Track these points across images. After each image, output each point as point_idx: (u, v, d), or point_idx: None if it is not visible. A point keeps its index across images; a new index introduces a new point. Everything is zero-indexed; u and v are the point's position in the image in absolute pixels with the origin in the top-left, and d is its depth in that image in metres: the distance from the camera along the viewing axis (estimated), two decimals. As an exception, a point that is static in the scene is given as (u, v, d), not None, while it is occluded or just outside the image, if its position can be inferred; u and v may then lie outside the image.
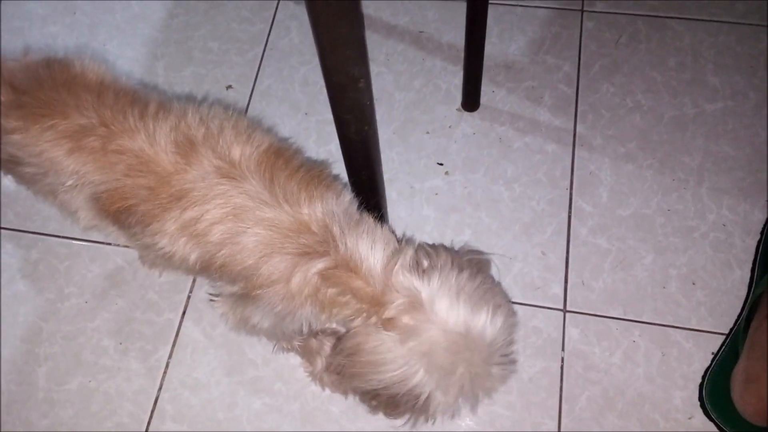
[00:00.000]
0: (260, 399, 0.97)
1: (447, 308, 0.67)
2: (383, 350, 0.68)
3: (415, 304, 0.68)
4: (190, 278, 1.05)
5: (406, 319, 0.67)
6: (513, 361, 0.75)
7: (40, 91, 0.77)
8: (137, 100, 0.78)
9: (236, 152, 0.73)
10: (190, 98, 1.19)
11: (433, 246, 0.77)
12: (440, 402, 0.70)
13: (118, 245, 1.08)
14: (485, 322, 0.68)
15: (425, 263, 0.72)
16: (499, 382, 0.72)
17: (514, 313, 0.75)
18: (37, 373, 1.00)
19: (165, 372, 0.99)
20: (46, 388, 0.99)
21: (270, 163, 0.73)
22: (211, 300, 0.87)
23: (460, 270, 0.71)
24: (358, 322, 0.69)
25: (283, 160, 0.75)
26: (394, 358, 0.68)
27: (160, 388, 0.99)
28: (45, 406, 0.98)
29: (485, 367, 0.69)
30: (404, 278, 0.69)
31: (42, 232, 1.10)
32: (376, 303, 0.68)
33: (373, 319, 0.69)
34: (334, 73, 0.63)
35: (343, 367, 0.74)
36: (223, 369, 0.99)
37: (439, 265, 0.71)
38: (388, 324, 0.67)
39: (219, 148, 0.73)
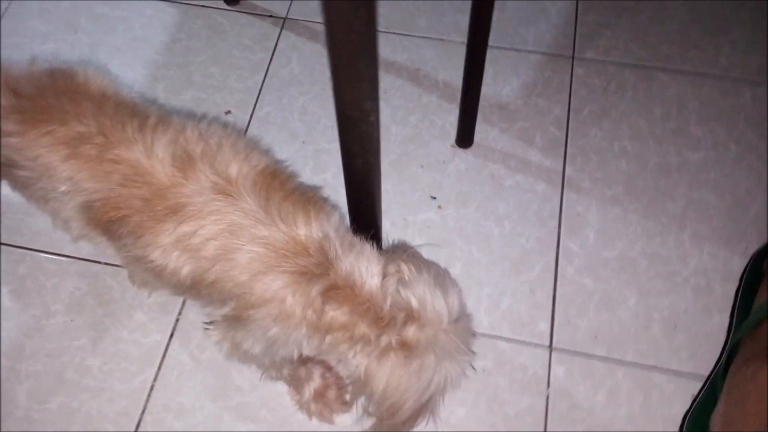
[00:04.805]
0: (245, 426, 0.96)
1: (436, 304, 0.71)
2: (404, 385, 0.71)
3: (412, 315, 0.70)
4: (180, 300, 1.05)
5: (411, 333, 0.70)
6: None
7: (42, 98, 0.77)
8: (137, 113, 0.79)
9: (233, 170, 0.74)
10: (189, 115, 1.20)
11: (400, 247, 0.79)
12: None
13: (108, 264, 1.07)
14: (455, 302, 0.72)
15: (406, 276, 0.74)
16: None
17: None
18: (17, 391, 0.98)
19: (149, 395, 0.98)
20: (27, 407, 0.97)
21: (266, 183, 0.74)
22: (206, 329, 0.87)
23: (428, 270, 0.74)
24: (368, 350, 0.70)
25: (279, 181, 0.76)
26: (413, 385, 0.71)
27: (143, 411, 0.97)
28: (25, 424, 0.96)
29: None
30: (399, 294, 0.71)
31: (31, 247, 1.09)
32: (380, 322, 0.70)
33: (384, 339, 0.70)
34: (348, 107, 0.65)
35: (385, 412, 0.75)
36: (208, 394, 0.98)
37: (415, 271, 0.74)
38: (401, 346, 0.70)
39: (217, 165, 0.74)
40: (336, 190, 1.13)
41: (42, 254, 1.09)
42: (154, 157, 0.73)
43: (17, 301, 1.05)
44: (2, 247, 1.09)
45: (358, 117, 0.66)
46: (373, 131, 0.70)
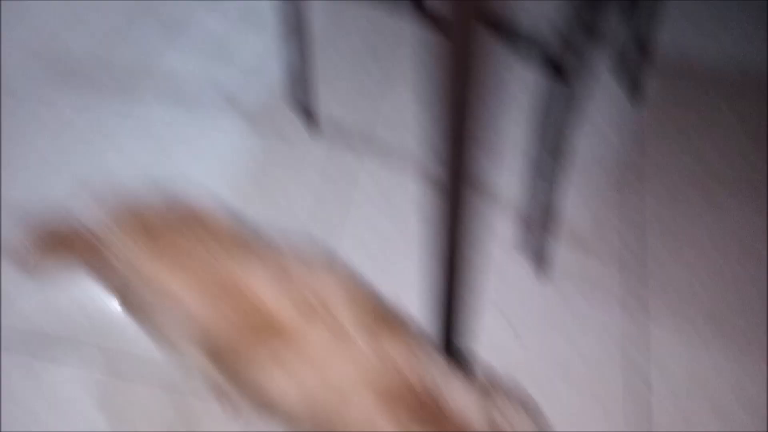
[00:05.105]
0: None
1: None
2: None
3: None
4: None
5: None
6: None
7: (170, 234, 0.84)
8: (250, 244, 0.84)
9: (346, 314, 0.77)
10: (286, 243, 1.26)
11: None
12: None
13: (201, 394, 1.09)
14: None
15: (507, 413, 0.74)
16: None
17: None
18: None
19: None
20: None
21: (376, 324, 0.77)
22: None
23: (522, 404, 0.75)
24: None
25: (387, 321, 0.79)
26: None
27: None
28: None
29: None
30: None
31: (128, 375, 1.13)
32: None
33: None
34: (450, 255, 0.69)
35: None
36: None
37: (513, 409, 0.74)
38: None
39: (329, 305, 0.77)
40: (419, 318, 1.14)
41: (138, 382, 1.11)
42: (279, 302, 0.76)
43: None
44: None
45: (459, 262, 0.70)
46: (469, 272, 0.73)
